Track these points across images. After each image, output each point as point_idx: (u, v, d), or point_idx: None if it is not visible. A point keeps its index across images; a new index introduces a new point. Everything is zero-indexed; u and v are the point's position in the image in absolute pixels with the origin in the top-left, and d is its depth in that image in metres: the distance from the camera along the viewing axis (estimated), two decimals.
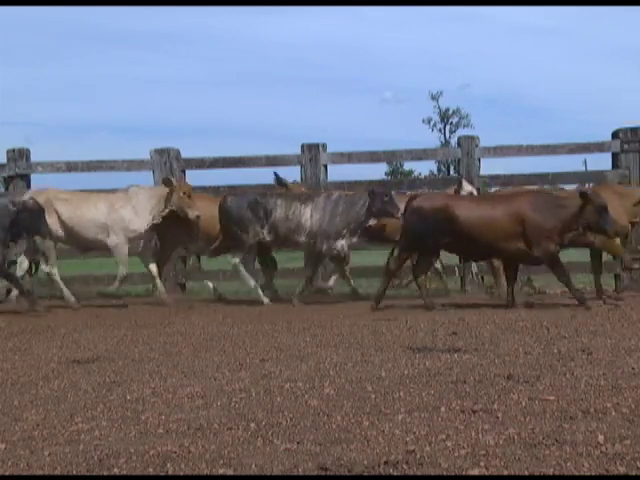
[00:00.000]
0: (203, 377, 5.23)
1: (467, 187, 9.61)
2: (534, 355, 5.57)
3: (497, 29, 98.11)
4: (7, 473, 3.49)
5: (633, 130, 10.65)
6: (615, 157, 10.80)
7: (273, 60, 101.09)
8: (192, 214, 9.52)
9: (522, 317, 7.41)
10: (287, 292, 9.82)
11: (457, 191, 9.56)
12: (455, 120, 66.65)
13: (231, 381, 5.07)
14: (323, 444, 3.69)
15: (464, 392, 4.55)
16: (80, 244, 9.93)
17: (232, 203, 9.40)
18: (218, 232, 9.69)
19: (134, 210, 9.64)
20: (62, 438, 3.97)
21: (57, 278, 9.69)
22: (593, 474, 3.23)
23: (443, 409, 4.20)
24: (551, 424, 3.88)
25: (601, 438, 3.61)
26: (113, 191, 10.08)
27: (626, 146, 10.64)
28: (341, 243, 9.23)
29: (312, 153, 10.95)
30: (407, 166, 54.12)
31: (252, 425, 4.03)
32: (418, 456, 3.46)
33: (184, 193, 9.58)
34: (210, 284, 10.28)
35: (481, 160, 10.95)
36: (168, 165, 11.04)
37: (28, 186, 11.25)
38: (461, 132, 63.48)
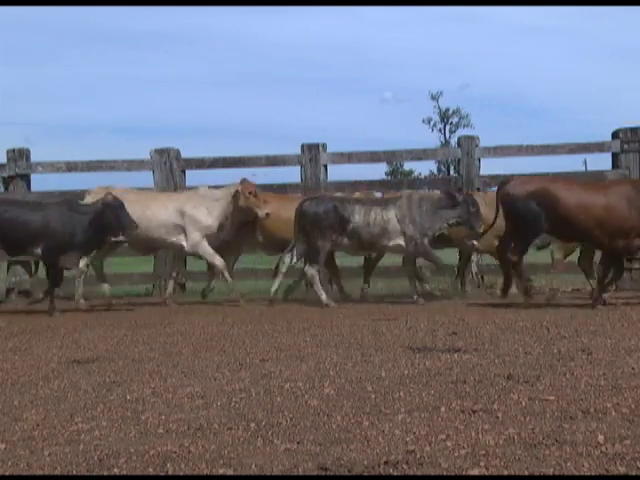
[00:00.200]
0: (203, 377, 5.23)
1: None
2: (534, 355, 5.57)
3: (497, 29, 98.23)
4: (7, 473, 3.49)
5: (633, 130, 10.65)
6: (615, 157, 10.81)
7: (273, 60, 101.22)
8: (262, 213, 9.46)
9: (522, 317, 7.41)
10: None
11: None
12: (455, 120, 66.74)
13: (231, 381, 5.07)
14: (323, 444, 3.69)
15: (464, 392, 4.55)
16: (146, 245, 9.89)
17: (310, 208, 9.22)
18: (280, 230, 9.65)
19: (207, 210, 9.61)
20: (62, 438, 3.97)
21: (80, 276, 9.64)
22: (593, 474, 3.23)
23: (443, 409, 4.20)
24: (551, 424, 3.88)
25: (601, 438, 3.61)
26: (180, 191, 10.07)
27: (626, 146, 10.64)
28: (425, 243, 9.15)
29: (312, 153, 10.96)
30: (407, 166, 54.20)
31: (252, 425, 4.03)
32: (418, 456, 3.46)
33: (250, 193, 9.53)
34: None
35: (481, 160, 10.96)
36: (168, 165, 11.04)
37: (28, 186, 11.26)
38: (461, 132, 63.55)
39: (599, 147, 10.98)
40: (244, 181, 9.75)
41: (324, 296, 9.11)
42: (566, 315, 7.53)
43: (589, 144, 11.00)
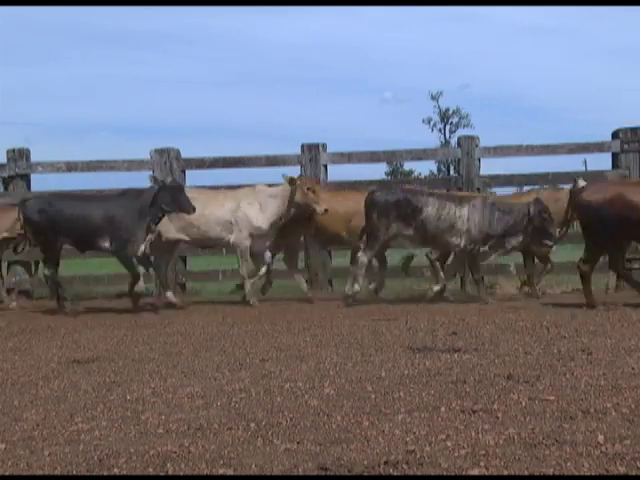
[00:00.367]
0: (203, 377, 5.23)
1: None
2: (534, 355, 5.57)
3: (497, 29, 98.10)
4: (7, 473, 3.49)
5: (633, 130, 10.65)
6: (615, 157, 10.80)
7: (273, 60, 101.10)
8: (320, 209, 9.36)
9: (522, 317, 7.41)
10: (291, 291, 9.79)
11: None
12: (455, 120, 66.62)
13: (231, 381, 5.07)
14: (323, 444, 3.69)
15: (464, 392, 4.56)
16: (202, 243, 9.86)
17: (379, 198, 9.10)
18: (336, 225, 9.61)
19: (260, 208, 9.52)
20: (62, 438, 3.97)
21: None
22: (593, 474, 3.23)
23: (443, 409, 4.20)
24: (551, 424, 3.88)
25: (601, 438, 3.61)
26: (238, 188, 10.01)
27: (626, 146, 10.64)
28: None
29: (312, 153, 10.95)
30: (407, 166, 54.13)
31: (252, 425, 4.03)
32: (418, 456, 3.46)
33: (308, 188, 9.43)
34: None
35: (481, 160, 10.95)
36: (168, 165, 11.04)
37: (28, 186, 11.26)
38: (461, 132, 63.45)
39: (599, 147, 10.98)
40: (303, 177, 9.61)
41: (356, 286, 9.05)
42: (566, 315, 7.53)
43: (589, 144, 11.00)
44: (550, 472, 3.24)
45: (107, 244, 8.92)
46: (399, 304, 8.98)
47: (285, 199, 9.51)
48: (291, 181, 9.51)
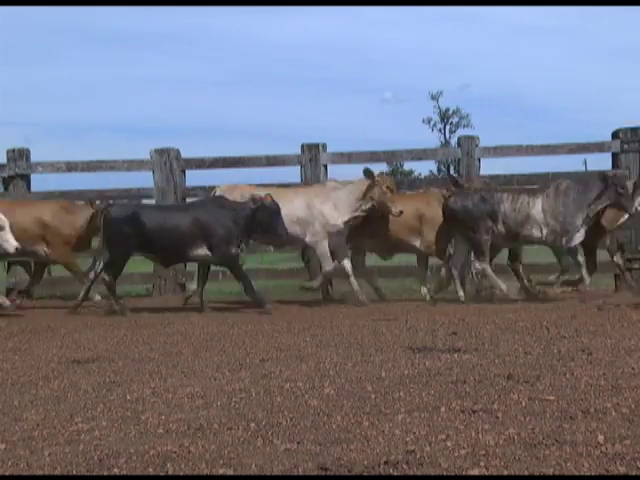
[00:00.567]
0: (203, 377, 5.23)
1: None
2: (534, 355, 5.57)
3: (497, 29, 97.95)
4: (7, 473, 3.49)
5: (633, 130, 10.65)
6: (615, 157, 10.80)
7: (273, 60, 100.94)
8: (396, 210, 9.08)
9: (522, 317, 7.41)
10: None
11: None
12: (455, 120, 66.53)
13: (231, 381, 5.07)
14: (323, 444, 3.69)
15: (464, 392, 4.56)
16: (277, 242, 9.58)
17: (456, 203, 9.04)
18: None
19: (334, 205, 9.27)
20: (62, 438, 3.97)
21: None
22: (593, 474, 3.23)
23: (443, 409, 4.20)
24: (551, 424, 3.88)
25: (601, 438, 3.61)
26: (308, 186, 9.94)
27: (626, 146, 10.64)
28: (579, 235, 8.99)
29: (312, 153, 10.95)
30: (407, 166, 54.01)
31: (252, 425, 4.03)
32: (418, 456, 3.46)
33: (387, 187, 9.18)
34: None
35: (481, 160, 10.95)
36: (168, 165, 11.04)
37: (28, 186, 11.26)
38: (461, 132, 63.38)
39: (599, 147, 10.98)
40: (382, 174, 9.43)
41: (504, 286, 8.97)
42: (566, 315, 7.53)
43: (589, 144, 11.00)
44: (550, 472, 3.24)
45: (204, 252, 8.75)
46: (399, 304, 8.98)
47: (360, 195, 9.24)
48: (370, 175, 9.22)
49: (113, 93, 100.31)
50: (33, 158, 11.32)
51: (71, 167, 11.42)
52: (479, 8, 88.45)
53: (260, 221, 8.66)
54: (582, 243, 9.04)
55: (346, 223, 9.32)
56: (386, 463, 3.38)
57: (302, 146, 11.02)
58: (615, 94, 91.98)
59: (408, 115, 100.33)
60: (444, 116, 66.49)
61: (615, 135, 10.77)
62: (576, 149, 11.06)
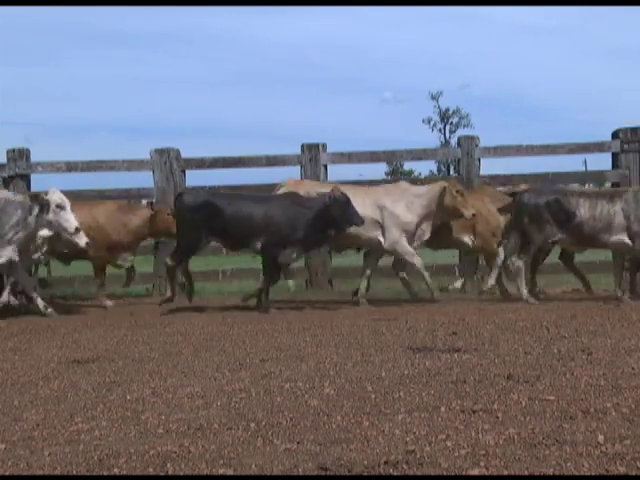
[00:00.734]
0: (203, 377, 5.23)
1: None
2: (534, 355, 5.57)
3: (497, 29, 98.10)
4: (7, 473, 3.50)
5: (633, 130, 10.65)
6: (615, 157, 10.81)
7: (273, 60, 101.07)
8: (468, 213, 9.04)
9: (522, 317, 7.41)
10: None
11: None
12: (455, 120, 66.63)
13: (231, 381, 5.08)
14: (323, 444, 3.69)
15: (464, 392, 4.56)
16: (341, 241, 9.39)
17: (530, 200, 8.90)
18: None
19: (407, 206, 9.17)
20: (62, 438, 3.97)
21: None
22: (593, 474, 3.23)
23: (443, 409, 4.20)
24: (551, 424, 3.88)
25: (601, 438, 3.61)
26: (377, 185, 9.86)
27: (626, 146, 10.64)
28: None
29: (312, 153, 10.95)
30: (407, 166, 54.09)
31: (252, 425, 4.04)
32: (418, 456, 3.46)
33: (457, 191, 9.16)
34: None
35: (481, 160, 10.96)
36: (168, 165, 11.04)
37: (28, 186, 11.26)
38: (461, 132, 63.46)
39: (599, 147, 10.98)
40: (451, 179, 9.36)
41: (525, 291, 8.87)
42: (566, 315, 7.53)
43: (589, 144, 11.01)
44: (550, 472, 3.25)
45: (259, 244, 8.73)
46: (399, 304, 8.98)
47: (432, 200, 9.17)
48: (439, 185, 9.20)
49: (113, 93, 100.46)
50: (33, 158, 11.32)
51: (71, 167, 11.42)
52: (479, 8, 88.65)
53: (335, 215, 8.62)
54: None
55: (417, 225, 9.21)
56: (386, 463, 3.38)
57: (302, 146, 11.03)
58: (615, 94, 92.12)
59: (408, 115, 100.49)
60: (444, 116, 66.56)
61: (615, 135, 10.77)
62: (576, 149, 11.07)
